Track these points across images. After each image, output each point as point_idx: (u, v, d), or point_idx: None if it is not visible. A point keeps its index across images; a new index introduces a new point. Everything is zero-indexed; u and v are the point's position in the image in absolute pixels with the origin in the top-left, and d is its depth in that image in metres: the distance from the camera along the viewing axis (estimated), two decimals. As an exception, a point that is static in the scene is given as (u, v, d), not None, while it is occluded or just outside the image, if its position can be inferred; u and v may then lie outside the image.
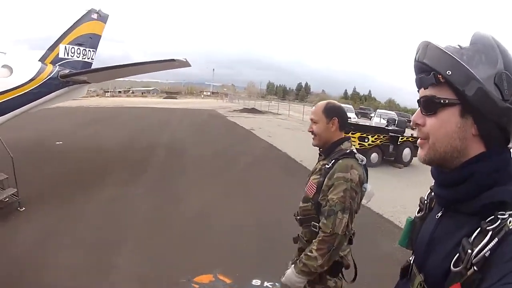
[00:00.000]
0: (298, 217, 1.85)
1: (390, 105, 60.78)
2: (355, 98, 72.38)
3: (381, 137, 9.12)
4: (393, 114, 17.60)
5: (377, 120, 16.53)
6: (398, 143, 9.41)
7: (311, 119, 1.84)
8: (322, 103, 1.85)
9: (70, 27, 8.41)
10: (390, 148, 9.34)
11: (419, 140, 0.77)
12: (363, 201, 1.75)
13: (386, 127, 10.19)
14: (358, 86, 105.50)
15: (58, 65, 7.91)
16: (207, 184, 6.67)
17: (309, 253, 1.63)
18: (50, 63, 7.66)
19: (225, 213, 5.13)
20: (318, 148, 1.88)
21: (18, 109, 6.72)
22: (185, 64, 7.34)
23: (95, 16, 9.08)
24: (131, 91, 55.64)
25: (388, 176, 8.25)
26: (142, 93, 57.40)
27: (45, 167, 7.23)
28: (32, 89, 6.95)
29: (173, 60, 7.13)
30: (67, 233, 4.31)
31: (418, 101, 0.75)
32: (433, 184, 0.82)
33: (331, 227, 1.59)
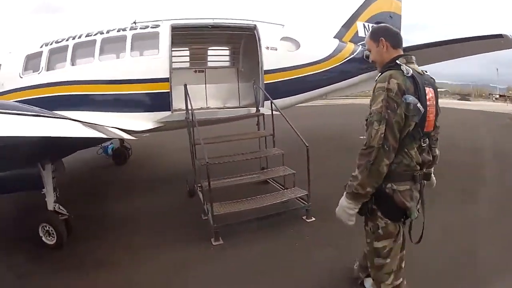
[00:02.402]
0: None
1: None
2: None
3: None
4: None
5: None
6: None
7: (367, 50, 1.85)
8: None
9: (364, 3, 7.29)
10: None
11: None
12: (411, 117, 1.57)
13: None
14: None
15: (360, 45, 6.68)
16: None
17: (352, 174, 1.61)
18: (349, 42, 6.70)
19: None
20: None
21: (311, 92, 5.96)
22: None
23: None
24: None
25: None
26: (434, 96, 49.76)
27: (348, 165, 5.05)
28: (330, 68, 6.09)
29: (500, 35, 5.25)
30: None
31: None
32: None
33: (367, 139, 1.55)
